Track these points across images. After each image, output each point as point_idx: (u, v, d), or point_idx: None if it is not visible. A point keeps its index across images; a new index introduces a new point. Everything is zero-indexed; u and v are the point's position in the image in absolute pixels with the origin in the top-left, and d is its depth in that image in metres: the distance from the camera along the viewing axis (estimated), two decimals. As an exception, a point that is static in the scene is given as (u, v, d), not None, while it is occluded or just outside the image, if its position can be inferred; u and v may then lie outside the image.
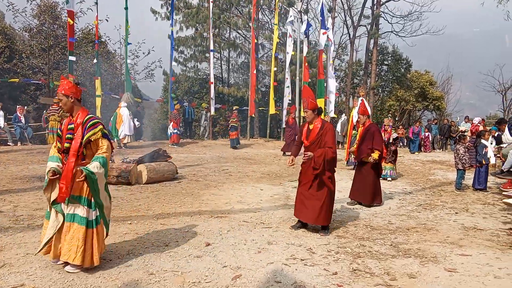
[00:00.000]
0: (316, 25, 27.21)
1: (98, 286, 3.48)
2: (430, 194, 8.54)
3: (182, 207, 6.57)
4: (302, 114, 16.30)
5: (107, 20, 21.48)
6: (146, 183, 8.47)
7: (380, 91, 31.94)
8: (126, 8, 17.46)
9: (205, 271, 3.86)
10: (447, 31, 31.94)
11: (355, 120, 11.98)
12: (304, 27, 18.72)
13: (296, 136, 13.94)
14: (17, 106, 15.90)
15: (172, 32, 19.22)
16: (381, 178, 9.60)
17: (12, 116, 15.86)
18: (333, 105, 18.29)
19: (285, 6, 22.34)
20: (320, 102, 18.44)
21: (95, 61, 17.02)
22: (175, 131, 16.11)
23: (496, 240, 5.10)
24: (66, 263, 3.72)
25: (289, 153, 13.62)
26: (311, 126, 5.31)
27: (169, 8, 22.50)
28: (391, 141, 10.11)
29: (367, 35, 27.62)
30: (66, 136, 3.76)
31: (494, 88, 33.28)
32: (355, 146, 7.35)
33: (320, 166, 5.06)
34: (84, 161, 3.75)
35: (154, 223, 5.50)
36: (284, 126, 20.35)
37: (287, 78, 19.21)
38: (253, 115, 20.36)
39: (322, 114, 6.24)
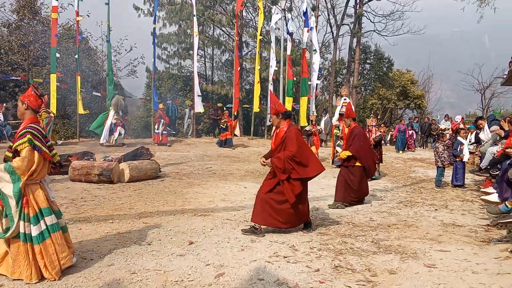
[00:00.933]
0: (300, 24, 27.36)
1: (79, 286, 3.44)
2: (411, 191, 8.68)
3: (165, 206, 6.53)
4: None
5: (88, 16, 21.10)
6: (128, 182, 8.38)
7: (362, 90, 32.28)
8: (107, 4, 17.19)
9: (188, 270, 3.85)
10: (428, 31, 32.47)
11: (335, 119, 12.08)
12: (288, 25, 18.77)
13: None
14: (-5, 103, 15.54)
15: (154, 29, 19.01)
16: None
17: (-10, 114, 15.49)
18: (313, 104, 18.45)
19: (269, 4, 22.35)
20: (303, 101, 18.59)
21: (76, 56, 16.72)
22: (164, 131, 15.95)
23: (474, 236, 5.22)
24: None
25: None
26: (278, 130, 5.27)
27: (152, 5, 22.26)
28: (373, 142, 10.05)
29: (350, 34, 27.87)
30: (9, 144, 3.71)
31: (473, 87, 34.01)
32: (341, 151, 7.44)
33: (281, 170, 4.96)
34: None
35: (136, 222, 5.46)
36: (268, 124, 20.42)
37: (273, 76, 19.21)
38: (235, 113, 20.34)
39: (295, 117, 6.34)
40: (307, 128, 13.69)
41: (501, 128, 7.46)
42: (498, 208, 4.62)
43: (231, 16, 24.18)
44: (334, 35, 28.34)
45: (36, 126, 3.63)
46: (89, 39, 23.87)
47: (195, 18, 18.97)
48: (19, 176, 3.47)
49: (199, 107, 18.34)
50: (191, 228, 5.24)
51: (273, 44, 19.06)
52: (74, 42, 20.19)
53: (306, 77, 18.42)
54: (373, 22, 28.65)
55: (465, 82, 34.20)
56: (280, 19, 19.37)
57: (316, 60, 19.00)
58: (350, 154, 6.98)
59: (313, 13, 22.87)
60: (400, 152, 17.43)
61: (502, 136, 7.35)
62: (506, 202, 5.05)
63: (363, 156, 7.05)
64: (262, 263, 4.08)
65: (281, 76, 19.81)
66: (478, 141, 9.79)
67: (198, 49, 19.85)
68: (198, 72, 19.95)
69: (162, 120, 16.16)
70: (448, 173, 9.64)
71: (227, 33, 26.42)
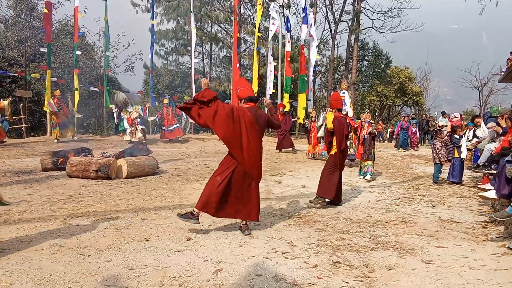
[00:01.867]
0: (298, 20, 27.29)
1: (76, 282, 3.44)
2: (408, 188, 8.70)
3: (163, 202, 6.52)
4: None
5: (85, 12, 21.02)
6: (126, 178, 8.37)
7: (360, 87, 32.28)
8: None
9: (186, 266, 3.85)
10: (426, 28, 32.43)
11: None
12: (287, 21, 18.74)
13: (286, 132, 14.06)
14: (-8, 99, 15.46)
15: (152, 25, 18.95)
16: (360, 177, 9.68)
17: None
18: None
19: (267, 0, 22.29)
20: (301, 97, 18.58)
21: (78, 53, 16.67)
22: (175, 126, 15.90)
23: (471, 233, 5.24)
24: None
25: (285, 150, 13.69)
26: None
27: (150, 1, 22.19)
28: (366, 137, 9.81)
29: (348, 31, 27.81)
30: None
31: (471, 84, 34.05)
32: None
33: None
34: None
35: (134, 218, 5.45)
36: None
37: (271, 71, 19.18)
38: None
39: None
40: (307, 125, 13.64)
41: (498, 124, 7.46)
42: (505, 211, 4.64)
43: (228, 12, 24.11)
44: (332, 32, 28.28)
45: None
46: (86, 35, 23.79)
47: (192, 14, 18.93)
48: None
49: None
50: (189, 224, 5.23)
51: (270, 41, 19.03)
52: (71, 38, 20.11)
53: (304, 74, 18.41)
54: (371, 19, 28.61)
55: (462, 79, 34.25)
56: (278, 15, 19.33)
57: (313, 54, 18.94)
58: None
59: (311, 10, 22.82)
60: (403, 150, 16.77)
61: (500, 133, 7.35)
62: None
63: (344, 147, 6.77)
64: (260, 259, 4.08)
65: (279, 72, 19.79)
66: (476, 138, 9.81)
67: (196, 45, 19.79)
68: (195, 68, 19.91)
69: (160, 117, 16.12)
70: (446, 170, 9.66)
71: (225, 29, 26.36)
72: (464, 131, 10.44)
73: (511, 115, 6.15)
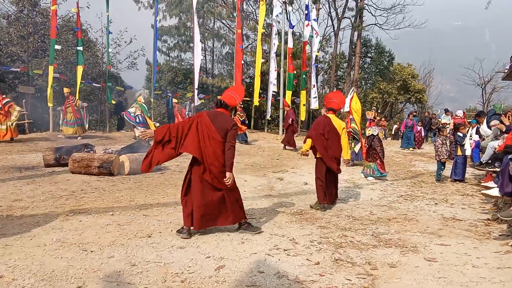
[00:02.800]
0: (301, 16, 27.18)
1: (79, 277, 3.44)
2: (411, 185, 8.68)
3: (165, 198, 6.53)
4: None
5: (88, 8, 20.99)
6: (128, 174, 8.38)
7: (363, 84, 32.18)
8: (108, -4, 17.10)
9: (188, 262, 3.85)
10: (429, 24, 32.30)
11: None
12: (290, 18, 18.68)
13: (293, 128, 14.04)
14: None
15: (156, 21, 18.92)
16: (362, 176, 9.57)
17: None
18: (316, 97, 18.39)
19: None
20: (303, 94, 18.55)
21: (80, 48, 16.64)
22: None
23: (474, 230, 5.22)
24: None
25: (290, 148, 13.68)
26: None
27: (152, -3, 22.14)
28: (368, 135, 9.57)
29: (351, 28, 27.71)
30: None
31: (474, 81, 33.90)
32: None
33: None
34: None
35: (136, 214, 5.45)
36: (268, 117, 20.37)
37: (275, 70, 19.13)
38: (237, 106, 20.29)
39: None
40: None
41: (501, 122, 7.43)
42: (510, 210, 4.62)
43: (231, 8, 24.04)
44: (335, 28, 28.18)
45: None
46: (88, 31, 23.76)
47: (194, 11, 18.86)
48: None
49: (197, 100, 18.35)
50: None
51: (273, 37, 18.97)
52: (73, 34, 20.10)
53: (305, 71, 18.36)
54: (374, 16, 28.49)
55: (465, 77, 34.11)
56: (281, 12, 19.26)
57: (315, 50, 18.87)
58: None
59: (314, 6, 22.74)
60: (411, 148, 16.34)
61: (503, 130, 7.32)
62: None
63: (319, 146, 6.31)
64: (262, 256, 4.08)
65: (282, 69, 19.74)
66: (479, 135, 9.77)
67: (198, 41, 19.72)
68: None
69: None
70: (449, 168, 9.63)
71: (228, 25, 26.28)
72: (467, 128, 10.41)
73: (514, 113, 6.12)
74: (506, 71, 16.26)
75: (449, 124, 16.49)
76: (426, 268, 3.86)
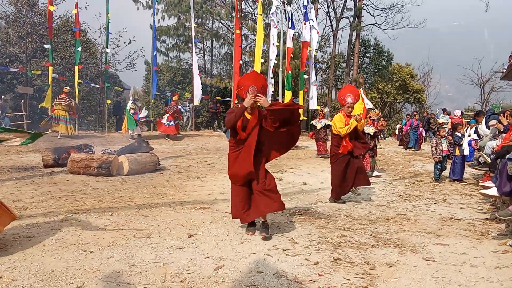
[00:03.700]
0: (300, 17, 27.21)
1: (78, 278, 3.45)
2: (410, 185, 8.70)
3: (164, 199, 6.53)
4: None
5: (86, 8, 21.00)
6: (127, 175, 8.38)
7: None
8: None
9: (187, 262, 3.86)
10: (428, 24, 32.35)
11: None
12: (289, 18, 18.66)
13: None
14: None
15: (154, 21, 18.92)
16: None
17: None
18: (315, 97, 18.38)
19: (268, -3, 22.22)
20: (300, 95, 18.53)
21: (79, 49, 16.64)
22: (170, 123, 15.95)
23: (472, 230, 5.24)
24: None
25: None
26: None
27: (151, -3, 22.15)
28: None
29: (349, 28, 27.75)
30: None
31: (473, 81, 33.98)
32: None
33: None
34: None
35: (135, 215, 5.46)
36: None
37: (277, 70, 19.12)
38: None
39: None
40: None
41: (500, 122, 7.45)
42: (508, 210, 4.64)
43: (229, 8, 24.05)
44: (334, 28, 28.23)
45: None
46: (87, 31, 23.76)
47: (192, 11, 18.88)
48: None
49: (196, 100, 18.33)
50: (191, 221, 5.24)
51: (272, 37, 18.96)
52: (72, 34, 20.09)
53: (303, 71, 18.36)
54: (373, 16, 28.60)
55: (464, 76, 34.19)
56: (279, 12, 19.24)
57: (314, 49, 18.85)
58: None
59: (313, 6, 22.72)
60: (413, 150, 16.24)
61: (502, 130, 7.34)
62: None
63: None
64: (261, 256, 4.09)
65: (280, 69, 19.74)
66: (478, 135, 9.80)
67: (197, 41, 19.74)
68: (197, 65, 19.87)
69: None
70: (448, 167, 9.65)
71: (226, 25, 26.30)
72: (466, 128, 10.43)
73: (513, 113, 6.13)
74: (505, 70, 16.32)
75: (446, 123, 16.53)
76: (425, 268, 3.87)
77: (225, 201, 6.48)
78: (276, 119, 4.61)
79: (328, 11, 28.71)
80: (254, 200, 4.70)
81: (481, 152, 6.86)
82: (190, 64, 24.36)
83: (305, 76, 18.51)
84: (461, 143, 9.09)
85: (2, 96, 16.11)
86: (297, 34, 25.59)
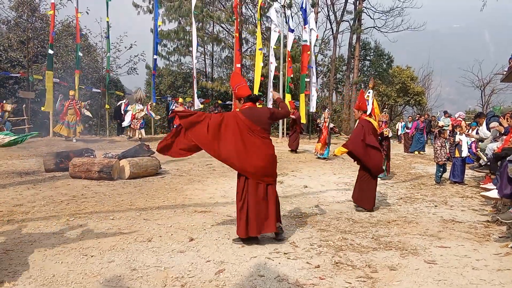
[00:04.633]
0: (300, 20, 27.28)
1: (79, 282, 3.45)
2: (410, 188, 8.69)
3: (166, 202, 6.53)
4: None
5: (87, 13, 21.06)
6: (128, 178, 8.38)
7: (362, 87, 32.23)
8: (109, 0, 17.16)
9: (188, 266, 3.86)
10: (428, 27, 32.40)
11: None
12: (288, 21, 18.72)
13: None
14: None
15: (156, 26, 18.97)
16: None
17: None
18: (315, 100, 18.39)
19: (268, 0, 22.27)
20: (302, 98, 18.54)
21: (80, 54, 16.71)
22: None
23: (474, 232, 5.23)
24: None
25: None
26: None
27: (152, 2, 22.21)
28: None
29: (350, 31, 27.79)
30: None
31: (473, 83, 33.94)
32: None
33: None
34: None
35: (137, 219, 5.46)
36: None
37: (275, 72, 19.13)
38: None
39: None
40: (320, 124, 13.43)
41: (501, 124, 7.45)
42: (510, 213, 4.64)
43: (230, 12, 24.11)
44: (334, 31, 28.26)
45: None
46: (88, 36, 23.83)
47: (193, 15, 18.92)
48: None
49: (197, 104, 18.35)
50: (192, 224, 5.25)
51: (272, 41, 19.01)
52: (73, 39, 20.15)
53: (305, 74, 18.37)
54: (373, 19, 28.61)
55: (464, 79, 34.15)
56: (279, 15, 19.31)
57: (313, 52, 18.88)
58: (345, 150, 6.38)
59: (313, 10, 22.81)
60: (421, 153, 15.99)
61: (502, 132, 7.34)
62: None
63: (360, 152, 6.34)
64: (262, 260, 4.09)
65: (281, 73, 19.77)
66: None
67: (197, 45, 19.79)
68: (197, 69, 19.93)
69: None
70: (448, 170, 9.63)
71: (227, 29, 26.37)
72: (467, 130, 10.42)
73: (513, 115, 6.13)
74: (505, 73, 16.30)
75: (447, 126, 16.49)
76: (426, 271, 3.87)
77: (226, 205, 6.48)
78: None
79: (328, 14, 28.79)
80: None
81: (478, 150, 6.86)
82: (190, 68, 24.41)
83: (307, 80, 18.52)
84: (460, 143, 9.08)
85: (4, 101, 16.14)
86: (297, 37, 25.66)
